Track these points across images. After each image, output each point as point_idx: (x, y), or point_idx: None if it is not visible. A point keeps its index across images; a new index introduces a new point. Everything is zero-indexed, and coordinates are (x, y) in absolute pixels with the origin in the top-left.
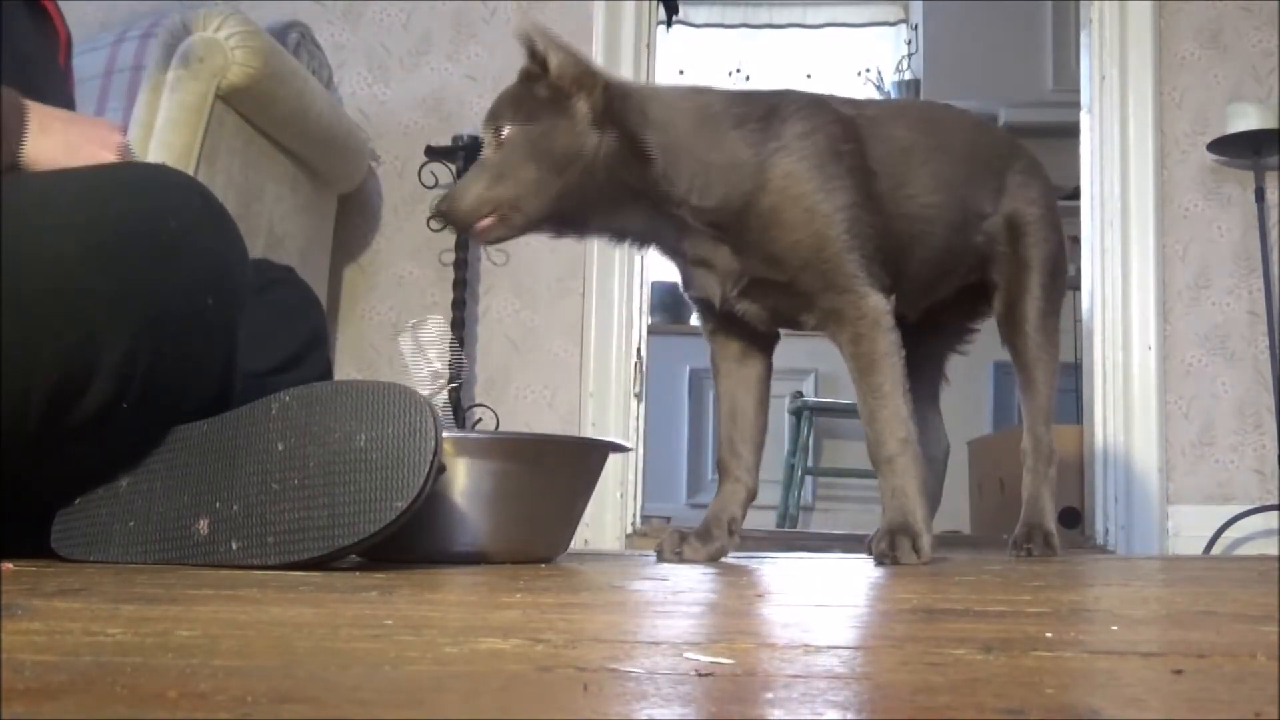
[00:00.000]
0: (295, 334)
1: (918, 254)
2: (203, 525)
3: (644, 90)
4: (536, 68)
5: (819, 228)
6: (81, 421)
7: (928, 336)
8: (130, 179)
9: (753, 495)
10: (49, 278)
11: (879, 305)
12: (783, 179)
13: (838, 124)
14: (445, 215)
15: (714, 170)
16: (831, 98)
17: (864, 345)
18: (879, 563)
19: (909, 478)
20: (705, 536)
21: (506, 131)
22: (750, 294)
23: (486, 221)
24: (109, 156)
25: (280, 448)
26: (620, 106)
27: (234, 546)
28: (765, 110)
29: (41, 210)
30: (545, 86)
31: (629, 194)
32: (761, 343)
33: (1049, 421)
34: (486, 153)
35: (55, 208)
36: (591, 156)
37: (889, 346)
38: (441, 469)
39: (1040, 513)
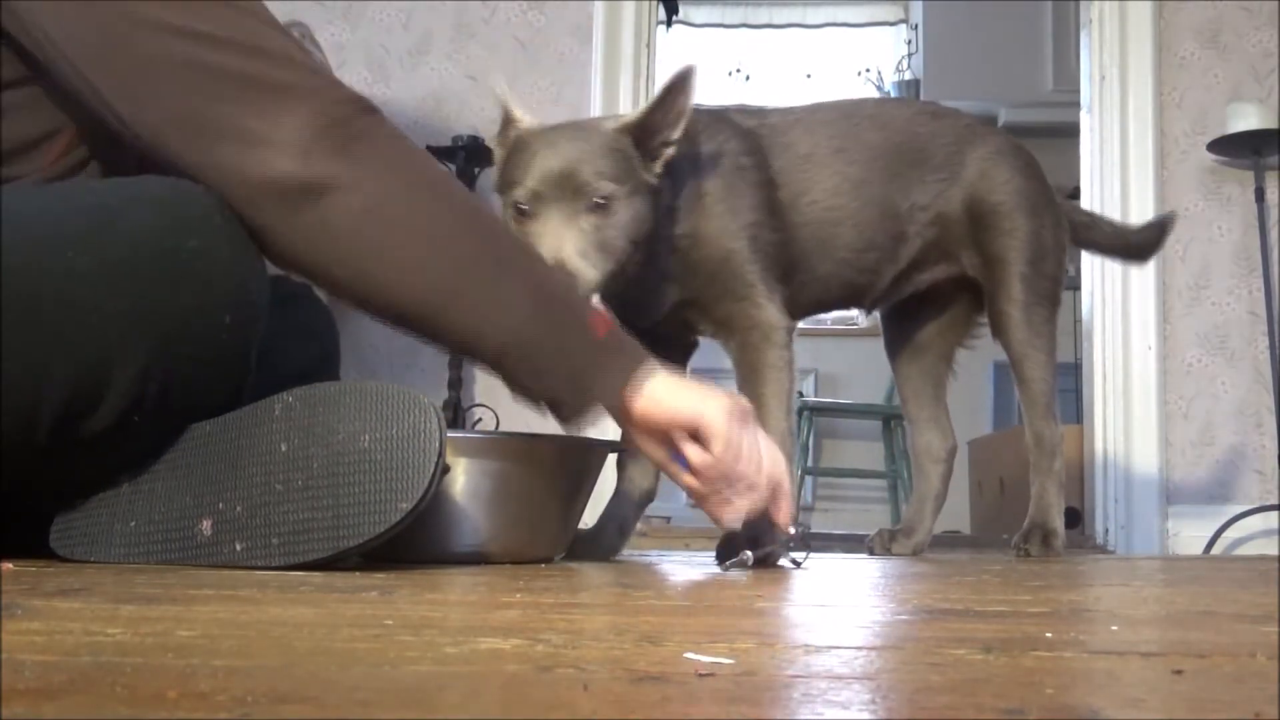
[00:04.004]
0: (305, 352)
1: (829, 255)
2: (206, 526)
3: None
4: (672, 130)
5: (725, 242)
6: (91, 435)
7: (930, 333)
8: (149, 195)
9: (649, 497)
10: (63, 293)
11: (772, 318)
12: (700, 199)
13: (736, 138)
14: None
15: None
16: (730, 109)
17: (750, 354)
18: (720, 563)
19: None
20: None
21: (609, 197)
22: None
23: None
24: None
25: (284, 448)
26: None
27: (238, 548)
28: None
29: (57, 224)
30: (645, 147)
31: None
32: (676, 357)
33: (1049, 415)
34: (577, 211)
35: (71, 222)
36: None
37: (776, 359)
38: (446, 470)
39: (1045, 510)
